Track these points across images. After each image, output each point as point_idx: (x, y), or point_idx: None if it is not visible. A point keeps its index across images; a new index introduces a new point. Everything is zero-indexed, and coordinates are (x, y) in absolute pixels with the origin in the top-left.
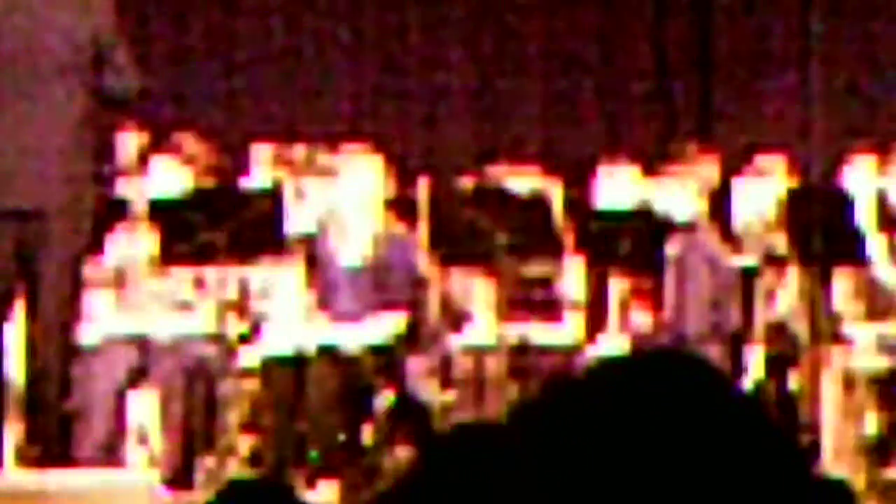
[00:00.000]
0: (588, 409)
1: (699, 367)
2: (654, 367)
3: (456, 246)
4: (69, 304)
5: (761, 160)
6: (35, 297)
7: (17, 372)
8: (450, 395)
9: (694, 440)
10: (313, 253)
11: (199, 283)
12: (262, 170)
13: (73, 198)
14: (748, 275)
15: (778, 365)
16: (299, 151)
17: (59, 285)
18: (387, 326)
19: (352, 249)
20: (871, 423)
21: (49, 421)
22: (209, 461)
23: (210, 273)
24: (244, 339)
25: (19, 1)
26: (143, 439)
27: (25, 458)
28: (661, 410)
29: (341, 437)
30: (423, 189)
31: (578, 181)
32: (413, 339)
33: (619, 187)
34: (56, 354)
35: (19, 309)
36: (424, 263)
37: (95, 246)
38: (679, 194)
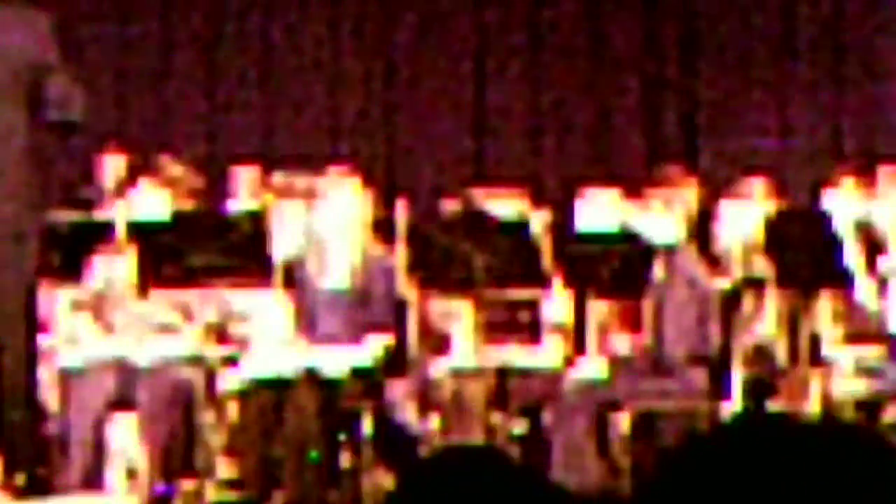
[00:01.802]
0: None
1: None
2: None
3: (436, 269)
4: (28, 329)
5: (743, 183)
6: None
7: None
8: (431, 419)
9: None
10: (295, 276)
11: (181, 307)
12: (243, 193)
13: (18, 224)
14: (729, 298)
15: (758, 388)
16: (281, 174)
17: (14, 311)
18: (368, 350)
19: (333, 272)
20: None
21: (26, 448)
22: (189, 485)
23: (192, 296)
24: (225, 363)
25: None
26: (124, 463)
27: (7, 488)
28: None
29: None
30: (402, 212)
31: (560, 204)
32: (394, 362)
33: (600, 210)
34: (21, 381)
35: None
36: (404, 286)
37: (75, 269)
38: (660, 217)
